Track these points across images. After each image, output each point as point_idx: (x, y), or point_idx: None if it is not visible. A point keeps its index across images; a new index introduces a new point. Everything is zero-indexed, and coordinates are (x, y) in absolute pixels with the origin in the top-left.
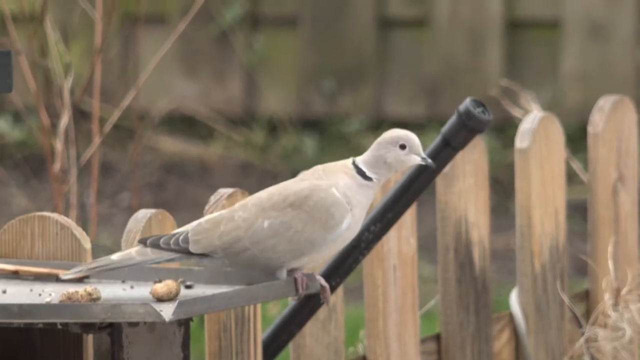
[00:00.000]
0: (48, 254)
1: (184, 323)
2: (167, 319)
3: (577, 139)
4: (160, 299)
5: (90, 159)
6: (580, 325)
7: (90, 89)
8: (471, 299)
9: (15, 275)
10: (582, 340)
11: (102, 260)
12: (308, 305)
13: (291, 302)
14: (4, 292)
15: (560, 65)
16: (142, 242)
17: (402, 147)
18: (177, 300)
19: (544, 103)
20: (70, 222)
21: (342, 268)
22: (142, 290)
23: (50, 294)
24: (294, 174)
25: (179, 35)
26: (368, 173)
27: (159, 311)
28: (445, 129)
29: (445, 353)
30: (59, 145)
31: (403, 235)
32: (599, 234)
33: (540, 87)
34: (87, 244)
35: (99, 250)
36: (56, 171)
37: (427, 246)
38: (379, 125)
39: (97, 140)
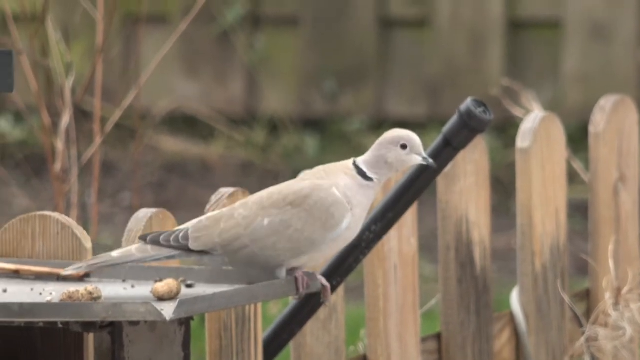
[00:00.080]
0: (49, 254)
1: (184, 322)
2: (167, 318)
3: (578, 139)
4: (161, 298)
5: (92, 158)
6: (580, 325)
7: (91, 88)
8: (472, 299)
9: (16, 275)
10: (582, 339)
11: (102, 257)
12: (309, 305)
13: (292, 301)
14: (5, 291)
15: (562, 65)
16: (143, 238)
17: (403, 147)
18: (178, 300)
19: (545, 103)
20: (71, 221)
21: (343, 267)
22: (142, 290)
23: (51, 293)
24: (295, 173)
25: (180, 35)
26: (369, 173)
27: (160, 310)
28: (446, 128)
29: (446, 352)
30: (60, 144)
31: (404, 234)
32: (600, 234)
33: (541, 87)
34: (88, 244)
35: (99, 250)
36: (57, 171)
37: (428, 246)
38: (380, 125)
39: (98, 140)
